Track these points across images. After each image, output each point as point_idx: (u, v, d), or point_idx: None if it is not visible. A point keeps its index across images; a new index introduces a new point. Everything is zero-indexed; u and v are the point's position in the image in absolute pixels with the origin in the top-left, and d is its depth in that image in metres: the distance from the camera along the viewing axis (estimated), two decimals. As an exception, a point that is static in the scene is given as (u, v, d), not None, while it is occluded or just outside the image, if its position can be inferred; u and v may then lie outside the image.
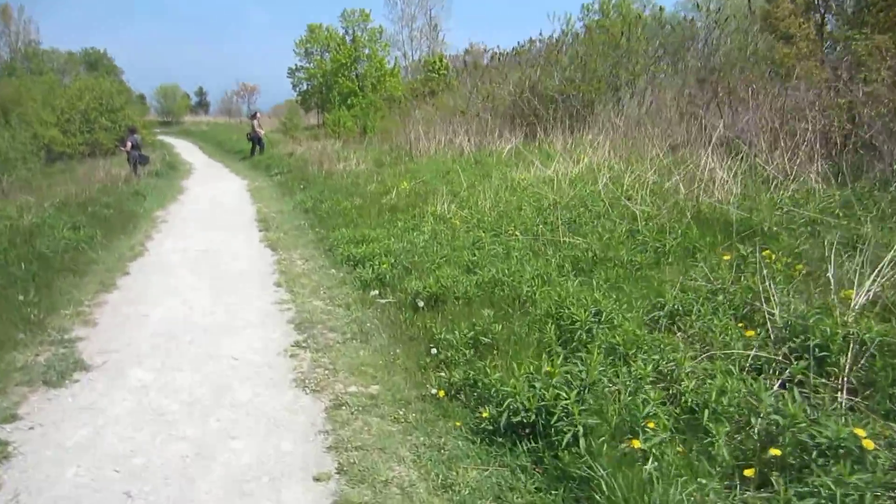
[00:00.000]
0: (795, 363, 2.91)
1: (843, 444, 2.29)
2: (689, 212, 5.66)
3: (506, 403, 2.84)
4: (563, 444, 2.58)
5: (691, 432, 2.68)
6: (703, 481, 2.35)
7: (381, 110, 24.00)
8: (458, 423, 3.12)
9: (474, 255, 5.51)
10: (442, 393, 3.38)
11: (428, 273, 5.17)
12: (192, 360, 4.21)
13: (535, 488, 2.58)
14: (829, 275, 3.69)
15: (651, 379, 2.93)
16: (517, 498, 2.55)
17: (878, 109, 6.52)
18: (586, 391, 2.82)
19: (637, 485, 2.32)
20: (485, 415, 2.98)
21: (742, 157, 6.92)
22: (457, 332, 3.89)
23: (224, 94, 62.70)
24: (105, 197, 10.73)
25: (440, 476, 2.71)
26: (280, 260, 6.95)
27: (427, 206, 7.66)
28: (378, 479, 2.73)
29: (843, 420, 2.50)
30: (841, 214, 4.98)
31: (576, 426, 2.59)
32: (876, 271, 3.44)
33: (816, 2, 10.68)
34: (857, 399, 2.74)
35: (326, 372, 3.92)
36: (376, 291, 5.36)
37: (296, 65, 33.01)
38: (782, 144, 6.71)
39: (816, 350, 2.93)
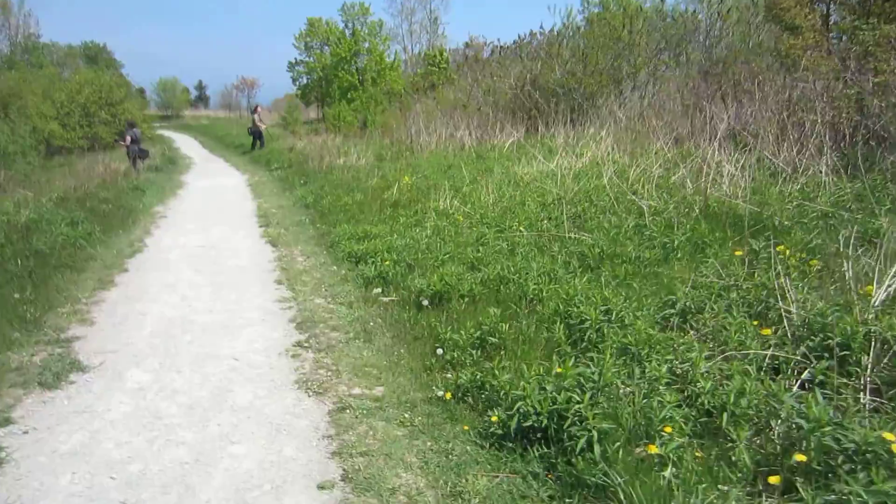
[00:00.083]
0: (816, 363, 2.81)
1: (870, 449, 2.19)
2: (698, 206, 5.56)
3: (516, 407, 2.74)
4: (577, 449, 2.48)
5: (709, 436, 2.59)
6: (725, 488, 2.25)
7: (382, 104, 23.84)
8: (465, 427, 3.02)
9: (478, 251, 5.41)
10: (449, 395, 3.27)
11: (431, 270, 5.06)
12: (191, 360, 4.11)
13: (549, 496, 2.48)
14: (846, 270, 3.59)
15: (666, 380, 2.82)
16: (530, 506, 2.46)
17: (888, 100, 6.40)
18: (599, 394, 2.71)
19: (655, 492, 2.22)
20: (494, 419, 2.87)
21: (749, 150, 6.80)
22: (463, 332, 3.79)
23: (224, 88, 62.54)
24: (104, 192, 10.63)
25: (449, 483, 2.61)
26: (281, 256, 6.85)
27: (429, 201, 7.55)
28: (384, 486, 2.62)
29: (868, 423, 2.40)
30: (854, 208, 4.87)
31: (590, 431, 2.49)
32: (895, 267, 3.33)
33: (822, -9, 10.51)
34: (880, 400, 2.64)
35: (329, 373, 3.81)
36: (379, 289, 5.26)
37: (296, 59, 32.94)
38: (791, 136, 6.59)
39: (837, 349, 2.82)
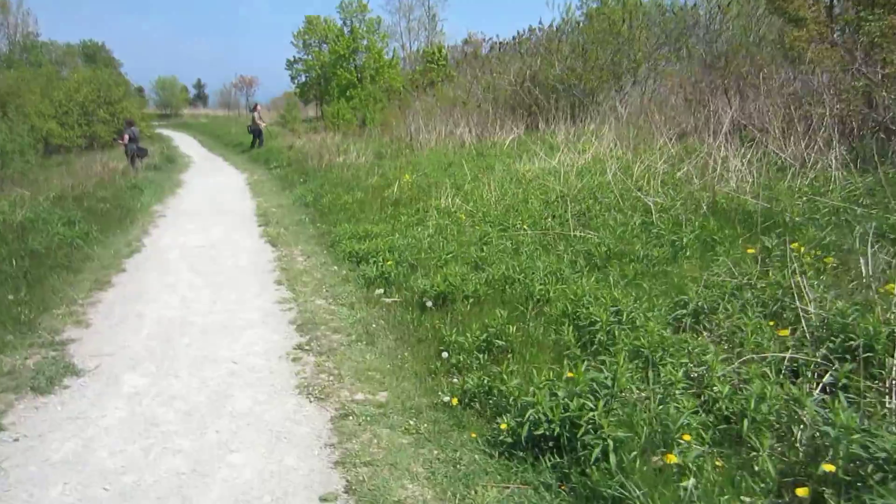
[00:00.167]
0: (839, 365, 2.70)
1: (901, 458, 2.08)
2: (705, 203, 5.44)
3: (527, 414, 2.62)
4: (592, 459, 2.36)
5: (729, 444, 2.48)
6: (748, 500, 2.14)
7: (381, 102, 23.70)
8: (473, 435, 2.90)
9: (482, 250, 5.30)
10: (455, 401, 3.16)
11: (434, 270, 4.95)
12: (189, 364, 4.00)
13: (562, 509, 2.37)
14: (863, 267, 3.47)
15: (682, 385, 2.71)
16: (543, 520, 2.35)
17: (897, 92, 6.28)
18: (613, 400, 2.60)
19: (675, 505, 2.11)
20: (503, 426, 2.76)
21: (755, 145, 6.68)
22: (468, 335, 3.68)
23: (222, 87, 62.38)
24: (101, 191, 10.52)
25: (457, 496, 2.49)
26: (280, 256, 6.73)
27: (430, 199, 7.44)
28: (390, 499, 2.50)
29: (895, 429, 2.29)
30: (867, 202, 4.75)
31: (605, 440, 2.37)
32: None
33: (826, -17, 10.37)
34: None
35: (331, 377, 3.70)
36: (381, 290, 5.14)
37: (294, 57, 32.74)
38: (797, 130, 6.47)
39: (860, 350, 2.71)
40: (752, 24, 13.41)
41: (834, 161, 5.62)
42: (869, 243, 3.59)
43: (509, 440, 2.72)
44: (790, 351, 2.90)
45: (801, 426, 2.42)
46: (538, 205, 6.47)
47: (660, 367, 2.90)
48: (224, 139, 25.91)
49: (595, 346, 3.30)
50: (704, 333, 3.33)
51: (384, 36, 29.16)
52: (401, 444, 2.93)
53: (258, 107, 20.83)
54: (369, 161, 12.12)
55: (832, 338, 2.90)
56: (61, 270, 6.00)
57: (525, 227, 5.76)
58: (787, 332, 3.03)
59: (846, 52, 7.43)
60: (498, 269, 4.66)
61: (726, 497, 2.14)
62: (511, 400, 2.91)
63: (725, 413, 2.59)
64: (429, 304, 4.46)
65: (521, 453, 2.66)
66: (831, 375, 2.68)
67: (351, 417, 3.19)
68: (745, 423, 2.43)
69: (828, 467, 2.08)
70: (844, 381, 2.62)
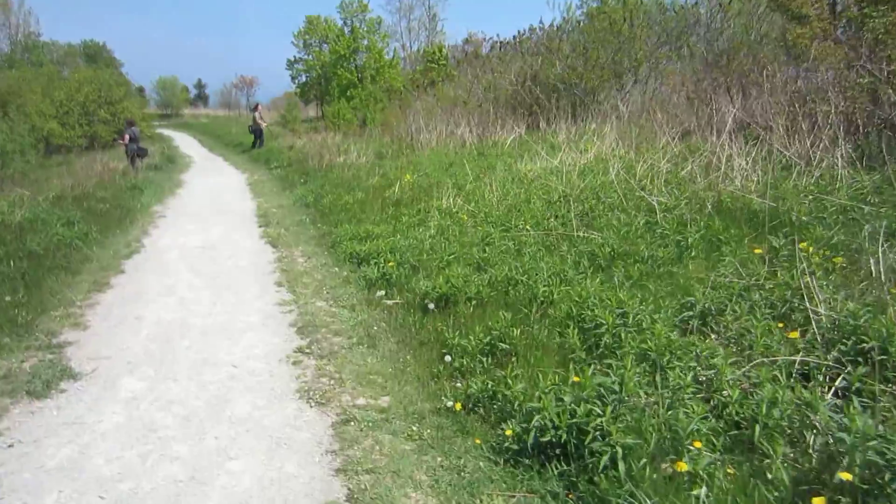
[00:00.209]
0: (851, 369, 2.63)
1: (919, 466, 2.02)
2: (710, 202, 5.37)
3: (533, 420, 2.56)
4: (600, 467, 2.30)
5: (740, 450, 2.41)
6: (761, 509, 2.08)
7: (381, 102, 23.63)
8: (477, 441, 2.84)
9: (484, 251, 5.24)
10: (459, 406, 3.09)
11: (437, 272, 4.89)
12: (187, 367, 3.94)
13: (570, 518, 2.31)
14: (873, 267, 3.41)
15: (691, 390, 2.65)
16: (550, 529, 2.28)
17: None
18: (621, 406, 2.53)
19: (687, 515, 2.05)
20: (508, 432, 2.69)
21: (759, 143, 6.61)
22: (471, 338, 3.61)
23: (223, 87, 62.31)
24: (101, 191, 10.48)
25: (462, 504, 2.44)
26: (281, 257, 6.68)
27: (432, 199, 7.37)
28: (393, 507, 2.45)
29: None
30: (874, 201, 4.68)
31: (613, 447, 2.31)
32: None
33: (829, -20, 10.29)
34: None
35: (332, 381, 3.63)
36: (382, 292, 5.07)
37: (294, 56, 32.68)
38: (802, 128, 6.40)
39: (874, 353, 2.65)
40: (752, 22, 13.34)
41: (840, 159, 5.55)
42: (880, 242, 3.53)
43: (515, 447, 2.66)
44: (800, 354, 2.84)
45: (815, 432, 2.36)
46: (540, 205, 6.41)
47: (667, 370, 2.83)
48: (224, 139, 25.85)
49: (601, 350, 3.23)
50: (712, 336, 3.27)
51: (384, 36, 29.09)
52: (403, 450, 2.86)
53: (259, 106, 20.78)
54: (370, 161, 12.06)
55: (844, 340, 2.83)
56: (60, 272, 5.95)
57: (528, 227, 5.69)
58: (797, 335, 2.97)
59: (850, 48, 7.35)
60: (501, 271, 4.59)
61: (739, 506, 2.08)
62: (516, 405, 2.85)
63: (736, 418, 2.53)
64: (431, 306, 4.40)
65: (526, 460, 2.59)
66: (844, 379, 2.61)
67: (352, 423, 3.13)
68: (757, 428, 2.37)
69: (844, 476, 2.02)
70: (858, 384, 2.56)
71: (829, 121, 6.15)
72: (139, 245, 7.36)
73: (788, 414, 2.46)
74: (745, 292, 3.51)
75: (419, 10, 37.84)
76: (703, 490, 2.13)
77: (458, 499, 2.47)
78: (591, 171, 7.49)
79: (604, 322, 3.35)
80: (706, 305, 3.46)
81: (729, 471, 2.28)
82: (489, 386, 3.10)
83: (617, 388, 2.61)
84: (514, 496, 2.44)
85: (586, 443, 2.41)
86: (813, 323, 3.00)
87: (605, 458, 2.30)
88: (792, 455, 2.37)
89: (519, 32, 17.28)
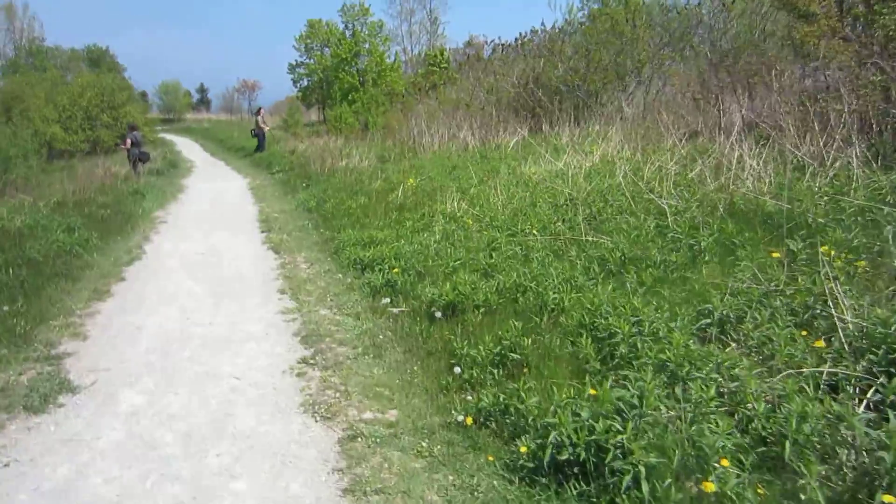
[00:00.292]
0: (884, 380, 2.50)
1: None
2: (722, 204, 5.25)
3: (549, 437, 2.44)
4: (622, 487, 2.18)
5: (769, 468, 2.29)
6: (796, 534, 1.96)
7: (383, 105, 23.56)
8: (490, 458, 2.72)
9: (491, 257, 5.12)
10: (469, 420, 2.97)
11: (443, 278, 4.77)
12: (189, 380, 3.83)
13: (591, 541, 2.19)
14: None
15: (715, 403, 2.52)
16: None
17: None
18: (641, 421, 2.41)
19: (717, 540, 1.93)
20: (523, 449, 2.57)
21: (769, 143, 6.49)
22: (481, 347, 3.49)
23: (225, 91, 62.44)
24: (103, 196, 10.39)
25: (476, 527, 2.32)
26: (284, 264, 6.57)
27: (436, 204, 7.26)
28: (403, 531, 2.33)
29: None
30: (894, 201, 4.55)
31: (635, 466, 2.19)
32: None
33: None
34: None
35: (337, 394, 3.52)
36: (388, 299, 4.96)
37: (296, 60, 32.66)
38: (815, 127, 6.27)
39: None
40: (756, 21, 13.22)
41: (854, 158, 5.42)
42: (903, 246, 3.41)
43: (530, 464, 2.53)
44: (828, 364, 2.72)
45: (849, 449, 2.24)
46: (547, 208, 6.29)
47: (688, 382, 2.71)
48: (226, 143, 25.79)
49: (616, 360, 3.11)
50: (732, 344, 3.15)
51: (386, 39, 29.07)
52: (413, 468, 2.74)
53: (262, 110, 20.73)
54: (372, 165, 11.96)
55: (873, 349, 2.71)
56: (59, 279, 5.86)
57: (534, 231, 5.58)
58: (822, 344, 2.84)
59: (861, 46, 7.23)
60: (509, 277, 4.48)
61: (772, 530, 1.96)
62: (530, 420, 2.73)
63: (762, 433, 2.41)
64: (438, 314, 4.28)
65: (543, 479, 2.47)
66: (878, 392, 2.49)
67: (360, 439, 3.01)
68: (787, 445, 2.24)
69: (887, 499, 1.90)
70: (893, 397, 2.43)
71: (843, 120, 6.02)
72: (140, 251, 7.26)
73: (819, 429, 2.34)
74: (765, 298, 3.38)
75: (420, 13, 37.88)
76: (734, 513, 2.01)
77: (472, 521, 2.35)
78: (598, 173, 7.37)
79: (619, 331, 3.23)
80: (724, 312, 3.34)
81: (759, 491, 2.16)
82: (501, 399, 2.98)
83: (637, 402, 2.49)
84: (531, 519, 2.32)
85: (607, 461, 2.29)
86: (839, 331, 2.87)
87: (628, 478, 2.18)
88: (824, 473, 2.25)
89: (520, 35, 17.20)
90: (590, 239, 5.16)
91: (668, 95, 13.01)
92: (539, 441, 2.53)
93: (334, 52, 28.27)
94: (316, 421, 3.24)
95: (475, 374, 3.37)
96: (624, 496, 2.19)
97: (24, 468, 2.90)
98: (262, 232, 8.28)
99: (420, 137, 13.90)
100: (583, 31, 15.23)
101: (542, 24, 16.80)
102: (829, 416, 2.39)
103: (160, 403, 3.52)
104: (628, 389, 2.59)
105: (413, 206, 7.61)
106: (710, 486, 2.11)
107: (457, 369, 3.47)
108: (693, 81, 11.33)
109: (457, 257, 5.24)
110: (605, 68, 13.61)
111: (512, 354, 3.40)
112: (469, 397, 3.23)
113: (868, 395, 2.52)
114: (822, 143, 6.00)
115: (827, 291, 3.10)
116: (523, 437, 2.65)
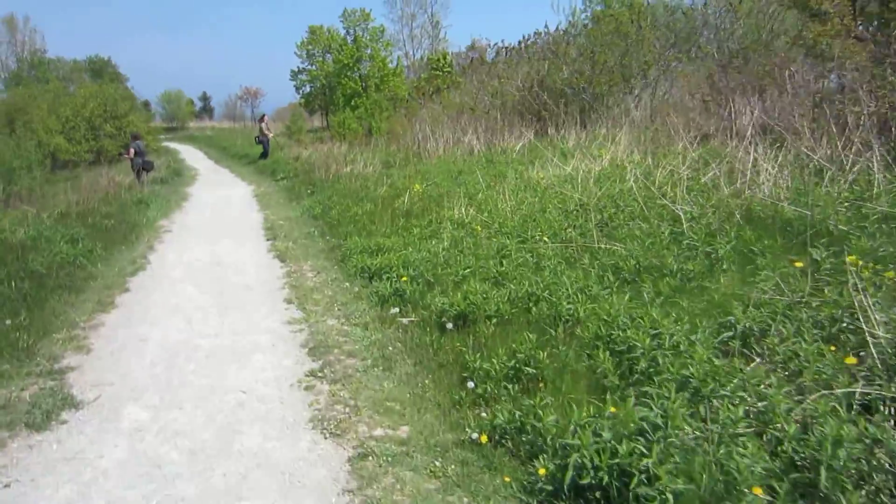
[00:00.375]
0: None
1: None
2: (738, 211, 5.13)
3: (571, 459, 2.32)
4: (650, 516, 2.07)
5: (800, 493, 2.17)
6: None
7: (387, 111, 23.52)
8: (507, 479, 2.61)
9: (501, 265, 5.01)
10: (484, 438, 2.86)
11: (453, 287, 4.67)
12: (194, 394, 3.74)
13: (616, 573, 2.08)
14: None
15: (743, 424, 2.41)
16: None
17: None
18: (666, 443, 2.30)
19: (753, 574, 1.81)
20: (541, 471, 2.46)
21: (784, 147, 6.36)
22: (494, 360, 3.38)
23: (228, 99, 62.64)
24: (106, 206, 10.35)
25: (494, 556, 2.21)
26: (290, 272, 6.48)
27: (443, 210, 7.16)
28: (418, 560, 2.23)
29: None
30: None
31: (663, 493, 2.07)
32: None
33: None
34: None
35: (347, 409, 3.41)
36: (396, 309, 4.85)
37: (298, 67, 32.67)
38: (833, 130, 6.13)
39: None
40: (763, 21, 13.09)
41: (875, 162, 5.29)
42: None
43: (549, 487, 2.42)
44: (861, 383, 2.59)
45: (885, 475, 2.12)
46: (557, 214, 6.19)
47: (713, 400, 2.59)
48: (230, 151, 25.78)
49: (636, 375, 3.00)
50: (756, 359, 3.03)
51: (388, 44, 29.04)
52: (427, 489, 2.63)
53: (265, 117, 20.70)
54: (377, 170, 11.88)
55: (908, 366, 2.59)
56: (63, 291, 5.78)
57: (545, 238, 5.47)
58: (854, 360, 2.72)
59: (877, 46, 7.09)
60: (521, 286, 4.37)
61: (811, 563, 1.84)
62: (548, 439, 2.62)
63: (793, 457, 2.29)
64: (449, 325, 4.17)
65: (563, 503, 2.36)
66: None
67: (371, 458, 2.90)
68: (823, 472, 2.13)
69: (936, 531, 1.77)
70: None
71: (861, 122, 5.88)
72: (145, 261, 7.19)
73: (854, 453, 2.21)
74: (790, 311, 3.26)
75: (421, 17, 37.85)
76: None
77: (490, 550, 2.24)
78: (607, 177, 7.26)
79: (638, 344, 3.11)
80: (747, 325, 3.22)
81: (795, 520, 2.05)
82: (517, 416, 2.86)
83: (661, 422, 2.38)
84: (553, 548, 2.21)
85: (631, 487, 2.17)
86: (871, 346, 2.75)
87: (656, 506, 2.07)
88: (861, 501, 2.13)
89: (524, 37, 17.11)
90: (602, 246, 5.05)
91: (676, 97, 12.89)
92: (558, 462, 2.42)
93: (336, 58, 28.26)
94: (325, 438, 3.13)
95: (489, 389, 3.26)
96: (651, 525, 2.07)
97: (24, 488, 2.82)
98: (268, 240, 8.20)
99: (425, 142, 13.82)
100: (587, 34, 15.14)
101: (546, 26, 16.70)
102: (865, 439, 2.27)
103: (165, 419, 3.43)
104: (651, 408, 2.48)
105: (420, 212, 7.51)
106: (744, 515, 2.00)
107: (470, 383, 3.36)
108: (702, 83, 11.21)
109: (466, 265, 5.13)
110: (611, 70, 13.51)
111: (527, 368, 3.29)
112: (483, 413, 3.12)
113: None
114: (839, 147, 5.86)
115: (856, 304, 2.98)
116: (541, 458, 2.54)
